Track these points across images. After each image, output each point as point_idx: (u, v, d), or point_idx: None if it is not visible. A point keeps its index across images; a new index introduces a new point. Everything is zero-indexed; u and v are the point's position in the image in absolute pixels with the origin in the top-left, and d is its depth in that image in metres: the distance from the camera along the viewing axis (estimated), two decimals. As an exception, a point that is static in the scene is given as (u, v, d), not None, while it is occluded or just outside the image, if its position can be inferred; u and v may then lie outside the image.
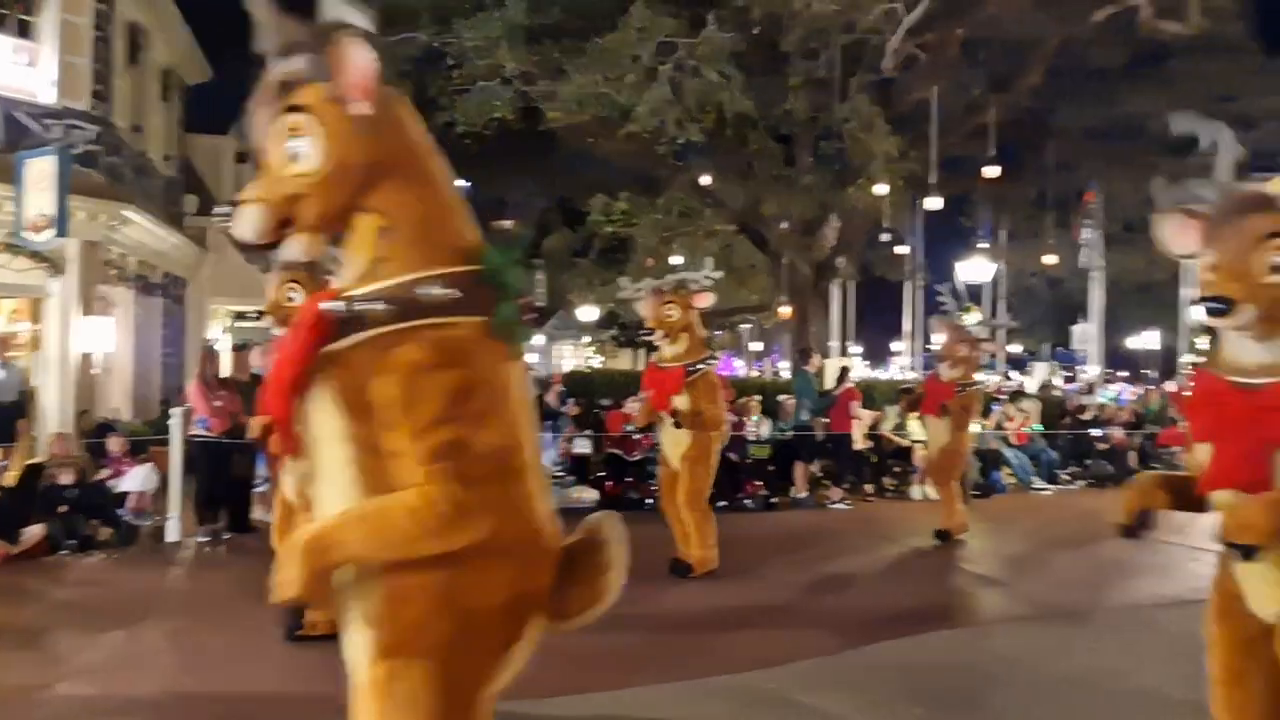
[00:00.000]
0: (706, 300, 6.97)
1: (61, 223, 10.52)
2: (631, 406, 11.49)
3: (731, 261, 27.37)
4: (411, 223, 2.24)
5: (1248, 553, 2.58)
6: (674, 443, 7.09)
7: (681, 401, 6.93)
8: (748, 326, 39.61)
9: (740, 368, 40.10)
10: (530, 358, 14.90)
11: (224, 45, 18.52)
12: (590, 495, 10.75)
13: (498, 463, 2.15)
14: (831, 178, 17.74)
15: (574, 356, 39.80)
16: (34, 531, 7.81)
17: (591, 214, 19.29)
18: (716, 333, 36.73)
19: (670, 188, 19.04)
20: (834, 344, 22.56)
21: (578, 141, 18.72)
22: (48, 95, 11.96)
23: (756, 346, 42.46)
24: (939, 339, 9.44)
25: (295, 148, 2.19)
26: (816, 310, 19.78)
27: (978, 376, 9.47)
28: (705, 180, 19.06)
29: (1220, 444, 2.67)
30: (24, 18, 11.86)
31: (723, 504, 10.69)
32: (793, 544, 8.92)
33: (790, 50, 15.58)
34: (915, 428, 11.60)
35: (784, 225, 18.87)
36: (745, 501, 10.91)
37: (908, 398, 10.55)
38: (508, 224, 42.05)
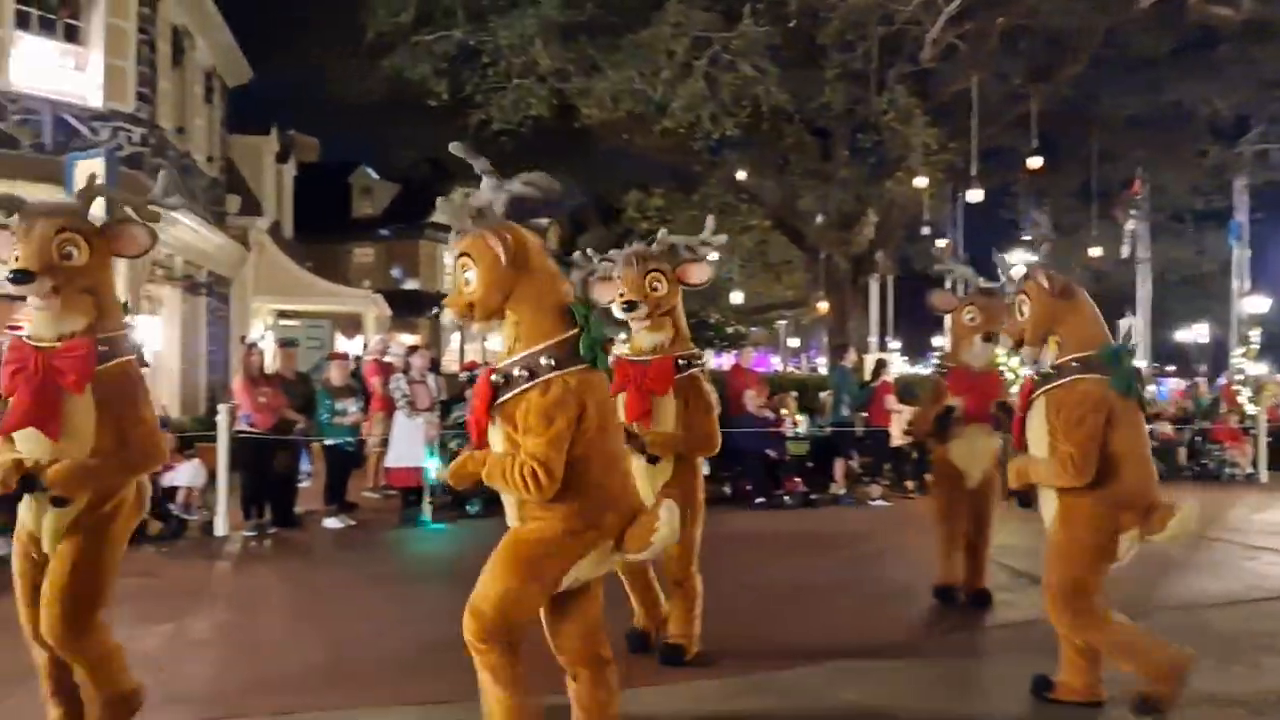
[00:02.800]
0: (702, 274, 5.02)
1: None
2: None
3: (767, 257, 27.32)
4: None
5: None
6: (649, 471, 4.83)
7: (666, 409, 4.87)
8: (784, 322, 39.41)
9: (777, 364, 39.95)
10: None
11: (264, 47, 18.79)
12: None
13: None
14: (869, 171, 17.61)
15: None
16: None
17: (627, 210, 19.31)
18: (753, 329, 36.71)
19: (706, 183, 19.00)
20: (873, 339, 22.39)
21: (613, 138, 18.73)
22: (95, 98, 12.20)
23: (794, 343, 42.27)
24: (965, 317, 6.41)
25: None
26: (855, 305, 19.64)
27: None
28: (741, 175, 19.00)
29: None
30: (71, 22, 12.10)
31: (761, 501, 10.72)
32: (830, 541, 8.87)
33: (827, 43, 15.46)
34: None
35: (820, 219, 18.77)
36: (784, 498, 10.88)
37: (949, 420, 6.35)
38: (543, 222, 42.26)
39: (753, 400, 11.31)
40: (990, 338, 6.11)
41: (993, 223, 25.42)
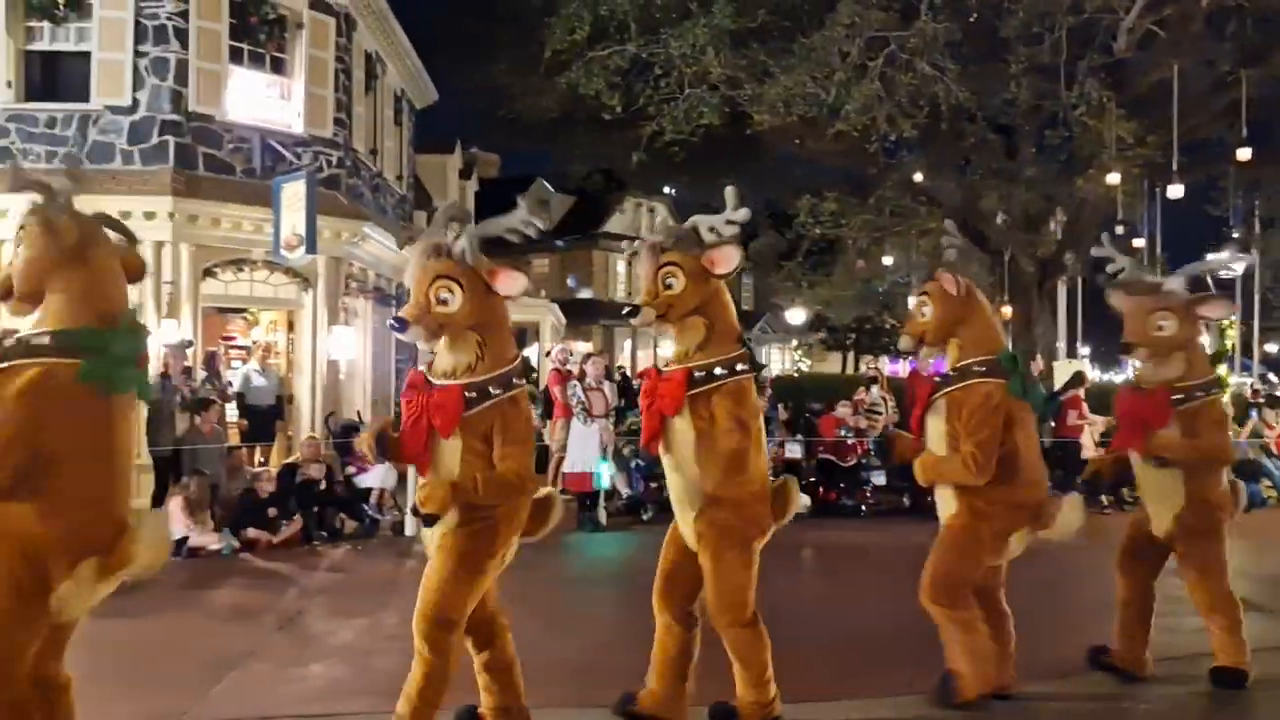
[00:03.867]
0: (730, 260, 4.06)
1: (311, 240, 11.50)
2: (841, 410, 11.28)
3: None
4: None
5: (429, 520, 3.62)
6: (684, 506, 4.12)
7: (680, 434, 4.05)
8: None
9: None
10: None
11: (448, 69, 19.71)
12: (802, 501, 10.57)
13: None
14: (1058, 168, 16.75)
15: (782, 360, 39.53)
16: (291, 523, 8.58)
17: (799, 215, 19.09)
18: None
19: (881, 186, 18.56)
20: (1061, 345, 21.22)
21: (784, 143, 18.57)
22: (297, 125, 13.12)
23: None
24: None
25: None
26: (1041, 310, 18.69)
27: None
28: (918, 177, 18.45)
29: None
30: (277, 55, 13.06)
31: (941, 512, 10.33)
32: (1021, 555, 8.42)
33: (1011, 36, 14.80)
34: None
35: (1002, 220, 17.98)
36: (966, 510, 10.45)
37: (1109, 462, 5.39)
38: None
39: (932, 409, 10.93)
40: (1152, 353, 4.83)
41: (1196, 221, 23.62)
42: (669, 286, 4.03)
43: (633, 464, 10.23)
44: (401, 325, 3.65)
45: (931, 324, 4.54)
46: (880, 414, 11.27)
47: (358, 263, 14.23)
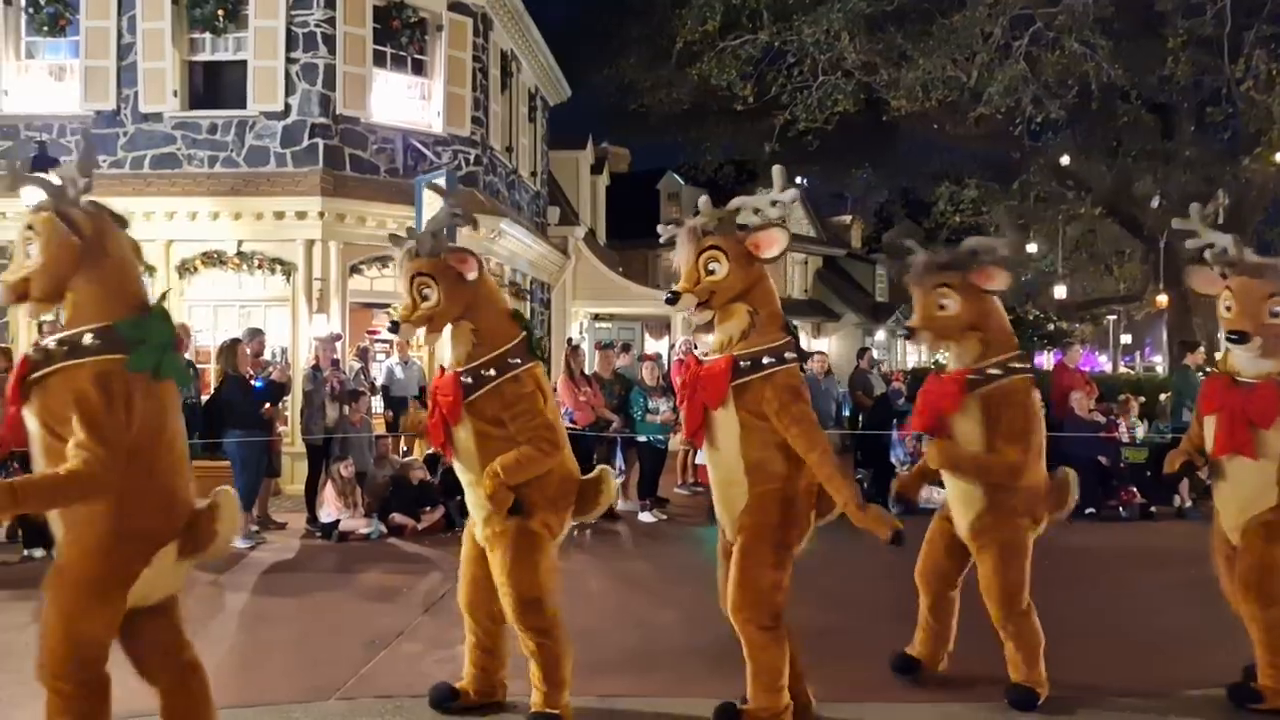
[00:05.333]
0: (776, 244, 3.82)
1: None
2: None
3: (1095, 247, 25.18)
4: None
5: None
6: (724, 503, 4.00)
7: (726, 427, 3.83)
8: (1113, 318, 36.18)
9: (1104, 363, 36.71)
10: (875, 354, 14.62)
11: (580, 66, 19.97)
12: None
13: None
14: (1220, 147, 15.72)
15: (918, 353, 38.51)
16: (434, 510, 8.88)
17: (938, 203, 18.54)
18: (1078, 325, 33.93)
19: (1025, 171, 17.84)
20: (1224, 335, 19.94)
21: (922, 129, 18.10)
22: (437, 125, 13.53)
23: (1125, 339, 38.67)
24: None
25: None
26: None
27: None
28: (1065, 160, 17.65)
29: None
30: (417, 57, 13.49)
31: (1090, 511, 9.87)
32: (1170, 560, 7.97)
33: (1168, 9, 13.97)
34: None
35: (1157, 204, 17.00)
36: (1118, 510, 9.95)
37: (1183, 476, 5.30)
38: (847, 219, 41.56)
39: (1080, 403, 10.45)
40: (1238, 337, 4.47)
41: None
42: (711, 272, 3.81)
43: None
44: (393, 326, 3.92)
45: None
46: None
47: (494, 258, 14.58)
